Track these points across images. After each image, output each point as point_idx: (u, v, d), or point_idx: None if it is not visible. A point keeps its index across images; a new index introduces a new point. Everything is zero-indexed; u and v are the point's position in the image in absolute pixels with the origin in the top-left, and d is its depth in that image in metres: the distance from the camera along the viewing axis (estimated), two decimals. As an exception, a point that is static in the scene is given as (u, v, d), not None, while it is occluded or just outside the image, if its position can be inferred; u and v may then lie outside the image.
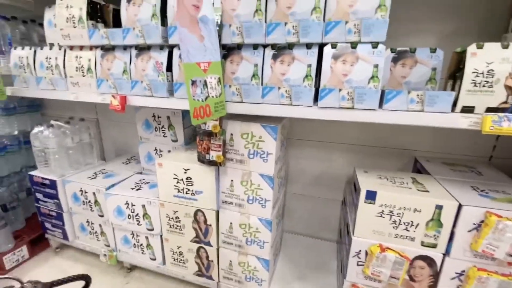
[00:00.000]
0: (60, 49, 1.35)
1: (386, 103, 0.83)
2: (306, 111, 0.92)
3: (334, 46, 0.86)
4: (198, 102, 0.89)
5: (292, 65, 0.92)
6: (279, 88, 0.94)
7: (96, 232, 1.59)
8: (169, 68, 1.13)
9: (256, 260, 1.25)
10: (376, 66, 0.82)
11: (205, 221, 1.26)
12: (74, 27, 1.24)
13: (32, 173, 1.61)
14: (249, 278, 1.29)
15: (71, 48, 1.32)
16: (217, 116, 0.99)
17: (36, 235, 1.74)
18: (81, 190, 1.50)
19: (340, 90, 0.86)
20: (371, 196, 0.95)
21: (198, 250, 1.33)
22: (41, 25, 1.45)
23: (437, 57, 0.92)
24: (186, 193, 1.25)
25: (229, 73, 1.02)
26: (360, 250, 1.01)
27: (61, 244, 1.78)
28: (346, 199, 1.34)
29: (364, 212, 0.97)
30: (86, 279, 0.75)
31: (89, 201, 1.51)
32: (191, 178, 1.22)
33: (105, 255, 1.55)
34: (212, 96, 0.94)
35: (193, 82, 0.87)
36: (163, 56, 1.13)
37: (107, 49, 1.24)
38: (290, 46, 0.92)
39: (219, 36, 0.97)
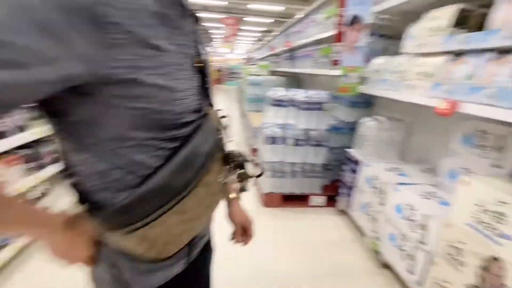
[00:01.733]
0: (409, 57, 1.57)
1: None
2: None
3: None
4: None
5: None
6: None
7: (370, 215, 1.81)
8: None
9: None
10: None
11: (500, 277, 0.94)
12: (431, 35, 1.36)
13: (347, 150, 2.14)
14: None
15: (422, 55, 1.48)
16: None
17: (332, 194, 2.36)
18: (374, 176, 1.76)
19: None
20: None
21: (471, 302, 1.05)
22: (399, 38, 1.75)
23: None
24: (486, 229, 1.00)
25: None
26: None
27: (341, 210, 2.26)
28: None
29: None
30: None
31: (377, 188, 1.72)
32: (503, 215, 0.94)
33: (369, 238, 1.74)
34: None
35: None
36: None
37: (457, 54, 1.23)
38: None
39: None
